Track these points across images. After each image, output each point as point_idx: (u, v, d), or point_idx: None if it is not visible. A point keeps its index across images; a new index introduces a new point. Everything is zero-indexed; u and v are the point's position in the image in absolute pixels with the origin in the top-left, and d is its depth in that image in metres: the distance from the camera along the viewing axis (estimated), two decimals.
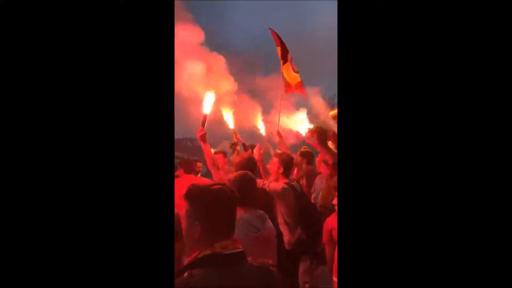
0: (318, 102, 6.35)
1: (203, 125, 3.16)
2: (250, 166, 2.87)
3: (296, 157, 4.16)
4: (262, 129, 5.74)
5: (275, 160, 3.23)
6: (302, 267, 3.05)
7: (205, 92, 3.47)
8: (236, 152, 4.47)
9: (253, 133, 5.54)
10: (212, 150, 3.53)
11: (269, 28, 5.89)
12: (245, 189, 2.02)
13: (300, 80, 5.79)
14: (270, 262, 1.33)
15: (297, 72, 5.83)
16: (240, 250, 1.22)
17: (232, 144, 4.70)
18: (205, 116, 3.25)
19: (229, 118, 4.99)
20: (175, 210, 2.34)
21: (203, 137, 3.05)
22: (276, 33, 5.86)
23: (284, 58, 5.73)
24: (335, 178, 3.72)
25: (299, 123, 6.61)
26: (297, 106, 6.24)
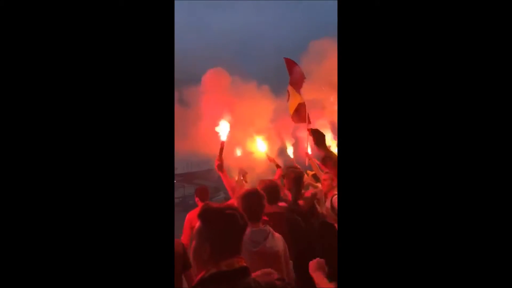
0: None
1: (220, 154, 3.19)
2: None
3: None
4: (290, 152, 5.71)
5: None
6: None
7: (220, 120, 3.51)
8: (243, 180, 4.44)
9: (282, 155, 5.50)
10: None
11: (284, 58, 5.91)
12: (252, 206, 2.12)
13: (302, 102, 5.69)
14: (276, 276, 1.32)
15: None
16: (244, 266, 1.25)
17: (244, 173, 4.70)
18: (222, 144, 3.26)
19: (260, 142, 5.01)
20: (179, 240, 2.39)
21: (220, 167, 3.08)
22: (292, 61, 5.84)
23: (296, 84, 5.70)
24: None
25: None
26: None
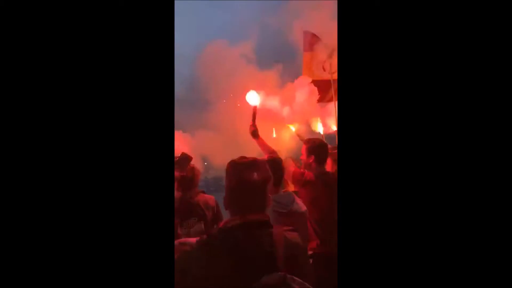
0: None
1: (253, 119, 2.97)
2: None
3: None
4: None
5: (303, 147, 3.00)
6: None
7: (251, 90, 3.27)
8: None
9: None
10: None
11: (304, 31, 5.73)
12: (275, 172, 2.11)
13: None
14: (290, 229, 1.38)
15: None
16: (267, 219, 1.32)
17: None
18: (255, 109, 3.03)
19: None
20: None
21: (255, 133, 2.87)
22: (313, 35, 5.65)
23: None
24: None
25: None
26: None
